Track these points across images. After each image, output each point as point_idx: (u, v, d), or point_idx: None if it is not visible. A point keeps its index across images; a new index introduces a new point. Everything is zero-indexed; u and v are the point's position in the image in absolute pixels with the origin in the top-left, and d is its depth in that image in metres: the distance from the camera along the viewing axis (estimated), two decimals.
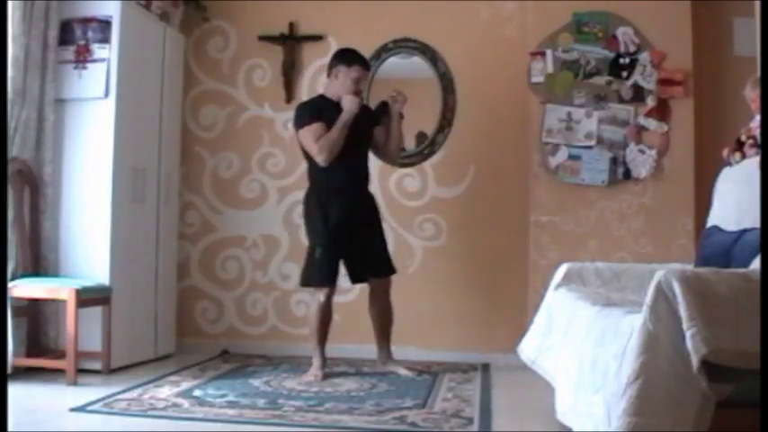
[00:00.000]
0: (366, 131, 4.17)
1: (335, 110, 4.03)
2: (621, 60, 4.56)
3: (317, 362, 4.02)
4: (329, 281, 4.02)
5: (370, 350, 4.49)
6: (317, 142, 3.97)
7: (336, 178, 4.03)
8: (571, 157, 4.56)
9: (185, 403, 3.29)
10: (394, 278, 4.70)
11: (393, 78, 4.88)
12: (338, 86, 4.10)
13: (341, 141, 3.97)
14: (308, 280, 4.08)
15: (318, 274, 4.02)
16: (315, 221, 4.05)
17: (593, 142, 4.55)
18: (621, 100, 4.55)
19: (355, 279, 4.24)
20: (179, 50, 4.90)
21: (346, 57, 4.16)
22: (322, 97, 4.20)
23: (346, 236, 4.02)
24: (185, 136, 5.03)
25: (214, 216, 5.04)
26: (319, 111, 4.05)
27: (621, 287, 3.34)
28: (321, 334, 4.05)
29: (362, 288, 4.79)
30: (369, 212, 4.19)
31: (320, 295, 4.01)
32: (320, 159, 3.99)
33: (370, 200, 4.25)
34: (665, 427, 1.96)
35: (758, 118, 3.11)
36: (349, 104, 4.01)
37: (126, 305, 4.16)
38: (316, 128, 3.99)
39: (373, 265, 4.17)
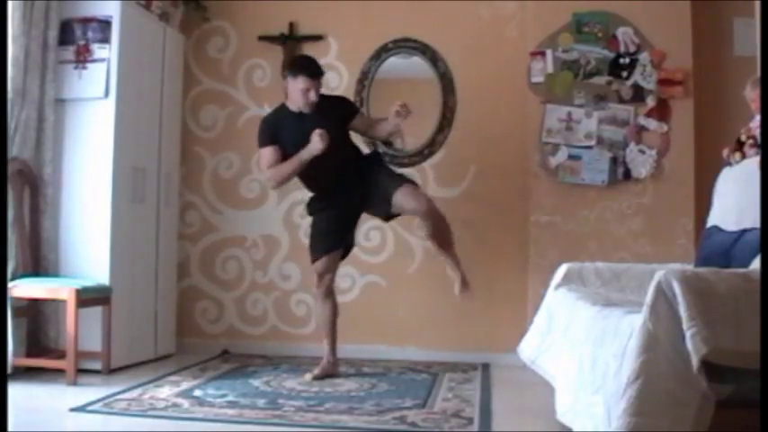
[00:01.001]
0: (337, 132, 3.94)
1: (296, 120, 3.92)
2: (621, 60, 4.56)
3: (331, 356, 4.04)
4: (337, 245, 4.05)
5: (370, 350, 4.49)
6: (268, 169, 3.93)
7: (326, 183, 4.04)
8: (571, 157, 4.56)
9: (185, 403, 3.29)
10: (393, 278, 4.71)
11: (393, 78, 4.88)
12: (290, 97, 3.96)
13: (292, 176, 3.93)
14: (315, 249, 4.06)
15: (326, 241, 4.03)
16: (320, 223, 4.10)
17: (593, 142, 4.55)
18: (621, 100, 4.56)
19: (387, 216, 4.09)
20: (179, 50, 4.90)
21: (292, 67, 3.99)
22: (283, 107, 4.03)
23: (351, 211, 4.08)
24: (185, 136, 5.03)
25: (214, 216, 5.04)
26: (277, 128, 3.93)
27: (621, 287, 3.34)
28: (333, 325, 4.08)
29: (362, 288, 4.81)
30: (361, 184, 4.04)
31: (326, 279, 4.03)
32: (268, 185, 4.08)
33: (360, 176, 4.02)
34: (664, 427, 1.96)
35: (758, 118, 3.11)
36: (314, 145, 3.77)
37: (126, 305, 4.16)
38: (268, 152, 3.91)
39: (386, 186, 3.92)
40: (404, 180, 3.96)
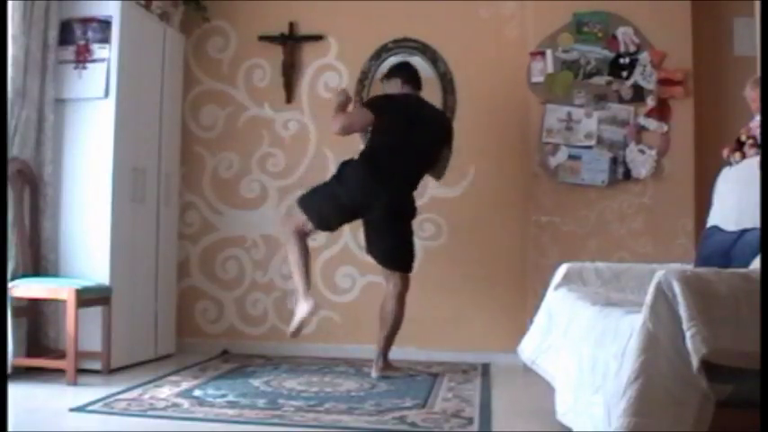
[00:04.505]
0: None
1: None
2: (621, 60, 4.56)
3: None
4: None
5: (370, 350, 4.49)
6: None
7: None
8: (571, 157, 4.56)
9: (185, 403, 3.29)
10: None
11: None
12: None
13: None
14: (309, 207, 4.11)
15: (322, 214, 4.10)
16: None
17: (593, 142, 4.55)
18: (621, 100, 4.56)
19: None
20: (179, 50, 4.89)
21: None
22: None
23: None
24: (185, 136, 5.03)
25: (214, 216, 5.04)
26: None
27: (621, 287, 3.34)
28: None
29: (362, 288, 4.82)
30: None
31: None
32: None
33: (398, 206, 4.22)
34: (664, 427, 1.96)
35: (758, 118, 3.11)
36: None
37: (126, 305, 4.16)
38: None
39: None
40: (408, 265, 4.14)
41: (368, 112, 4.07)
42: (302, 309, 3.99)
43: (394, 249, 4.13)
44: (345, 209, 4.04)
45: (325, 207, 4.05)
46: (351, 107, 4.29)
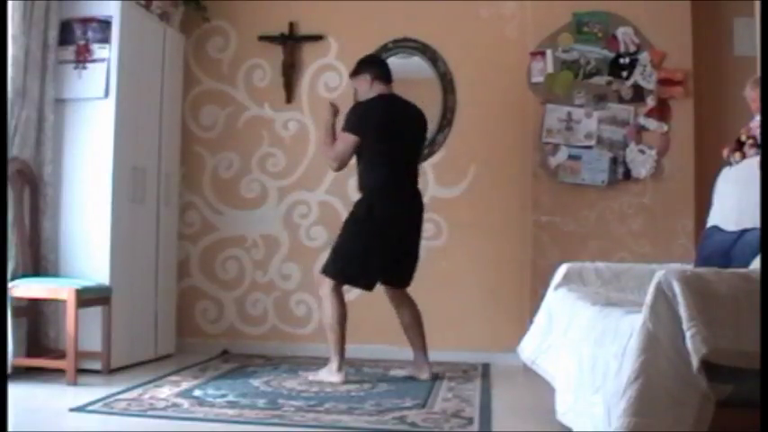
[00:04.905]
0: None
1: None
2: (621, 60, 4.57)
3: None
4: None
5: (370, 350, 4.49)
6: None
7: None
8: (571, 157, 4.56)
9: (185, 403, 3.29)
10: None
11: (393, 78, 4.86)
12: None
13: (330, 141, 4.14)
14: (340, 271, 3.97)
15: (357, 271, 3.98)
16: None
17: (593, 142, 4.55)
18: (621, 100, 4.56)
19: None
20: (179, 50, 4.89)
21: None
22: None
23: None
24: (185, 136, 5.03)
25: (214, 216, 5.05)
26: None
27: (621, 287, 3.34)
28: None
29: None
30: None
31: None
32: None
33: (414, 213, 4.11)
34: (664, 427, 1.96)
35: (758, 118, 3.11)
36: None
37: (126, 305, 4.16)
38: None
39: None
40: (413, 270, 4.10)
41: (350, 137, 3.92)
42: (331, 377, 3.83)
43: (411, 263, 4.07)
44: (389, 238, 3.90)
45: (370, 254, 3.90)
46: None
